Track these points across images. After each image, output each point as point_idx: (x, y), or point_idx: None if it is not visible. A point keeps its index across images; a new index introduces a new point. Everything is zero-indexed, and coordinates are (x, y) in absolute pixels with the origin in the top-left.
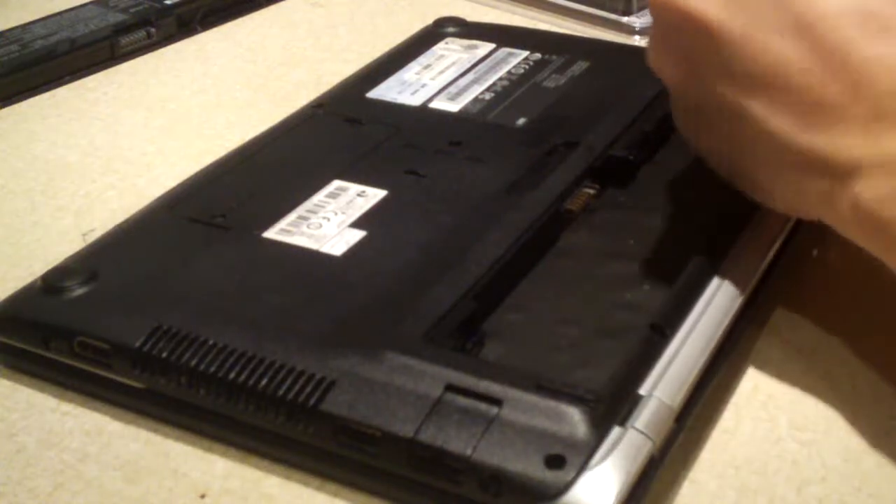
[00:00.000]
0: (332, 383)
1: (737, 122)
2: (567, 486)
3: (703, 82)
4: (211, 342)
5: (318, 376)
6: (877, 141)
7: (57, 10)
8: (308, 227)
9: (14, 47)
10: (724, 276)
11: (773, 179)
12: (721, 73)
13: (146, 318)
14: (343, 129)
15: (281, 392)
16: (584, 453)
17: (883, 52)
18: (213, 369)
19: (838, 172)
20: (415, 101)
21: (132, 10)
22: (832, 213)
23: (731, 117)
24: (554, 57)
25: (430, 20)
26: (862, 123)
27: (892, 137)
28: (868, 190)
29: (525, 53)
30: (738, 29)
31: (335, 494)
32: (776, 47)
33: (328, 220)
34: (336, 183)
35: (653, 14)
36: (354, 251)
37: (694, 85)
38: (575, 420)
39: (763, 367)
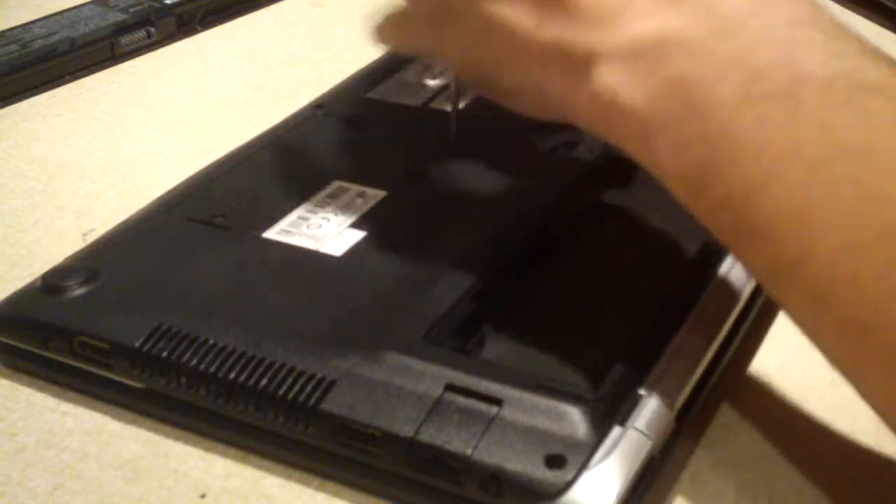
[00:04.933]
0: (332, 383)
1: (478, 26)
2: (567, 486)
3: None
4: (211, 342)
5: (318, 376)
6: (610, 27)
7: (57, 9)
8: (308, 227)
9: (14, 47)
10: (724, 275)
11: (518, 80)
12: None
13: (146, 318)
14: (343, 129)
15: (281, 392)
16: (585, 453)
17: None
18: (213, 369)
19: (578, 64)
20: (415, 101)
21: (132, 10)
22: (574, 108)
23: (472, 21)
24: None
25: None
26: (596, 10)
27: (623, 23)
28: (605, 76)
29: None
30: None
31: (335, 494)
32: None
33: (328, 220)
34: (336, 183)
35: None
36: (354, 251)
37: None
38: (575, 420)
39: (763, 367)
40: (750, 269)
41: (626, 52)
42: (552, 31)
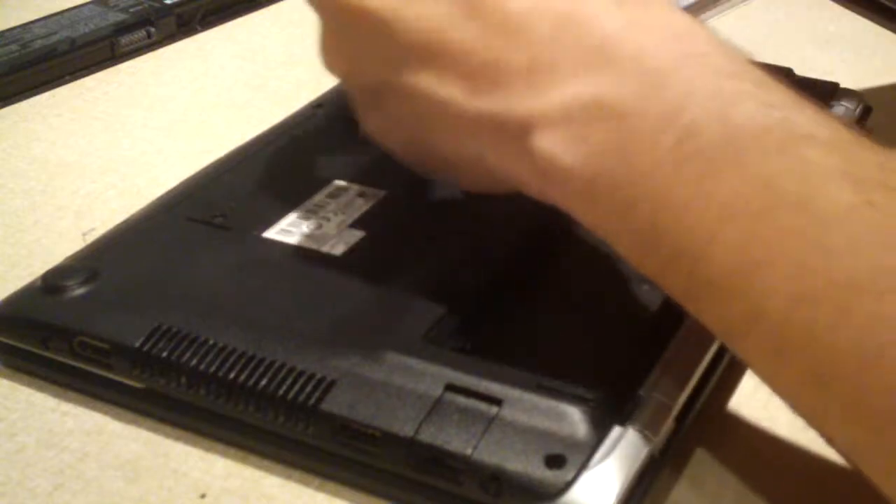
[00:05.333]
0: (332, 383)
1: (411, 103)
2: (567, 486)
3: (374, 71)
4: (211, 342)
5: (318, 376)
6: (541, 92)
7: (57, 9)
8: (308, 227)
9: (14, 47)
10: None
11: (457, 155)
12: (387, 57)
13: (146, 318)
14: (343, 129)
15: (281, 392)
16: (585, 453)
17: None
18: (213, 369)
19: (513, 132)
20: None
21: (132, 10)
22: (518, 176)
23: (404, 99)
24: None
25: None
26: (525, 77)
27: (553, 87)
28: (542, 142)
29: None
30: (389, 11)
31: (335, 494)
32: (429, 15)
33: (328, 220)
34: (336, 183)
35: (318, 14)
36: (354, 251)
37: (366, 76)
38: (575, 420)
39: None
40: (707, 326)
41: (560, 116)
42: (483, 101)
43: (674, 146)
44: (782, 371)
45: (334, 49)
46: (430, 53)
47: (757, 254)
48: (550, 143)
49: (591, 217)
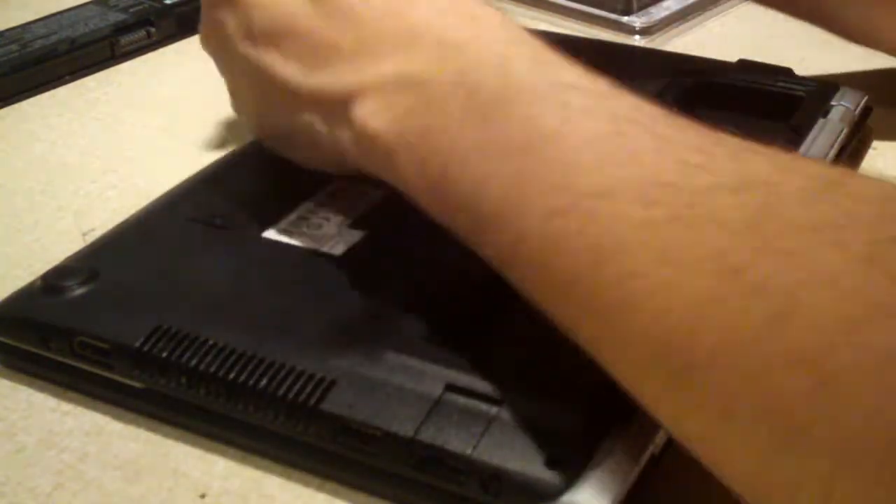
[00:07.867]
0: (332, 383)
1: (257, 77)
2: (567, 486)
3: (231, 47)
4: (211, 342)
5: (318, 376)
6: (361, 68)
7: (57, 9)
8: (308, 227)
9: (14, 47)
10: None
11: (292, 130)
12: (244, 34)
13: (146, 318)
14: None
15: (281, 392)
16: (585, 453)
17: None
18: (213, 369)
19: (338, 103)
20: None
21: (132, 10)
22: (340, 144)
23: (252, 74)
24: None
25: None
26: (350, 57)
27: (372, 64)
28: (359, 109)
29: None
30: None
31: (335, 494)
32: (285, 2)
33: (328, 220)
34: (336, 182)
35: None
36: (354, 251)
37: (226, 51)
38: (575, 419)
39: None
40: (490, 261)
41: (374, 88)
42: (316, 78)
43: (462, 103)
44: (545, 286)
45: (205, 26)
46: (281, 35)
47: (519, 182)
48: (364, 111)
49: (392, 173)
